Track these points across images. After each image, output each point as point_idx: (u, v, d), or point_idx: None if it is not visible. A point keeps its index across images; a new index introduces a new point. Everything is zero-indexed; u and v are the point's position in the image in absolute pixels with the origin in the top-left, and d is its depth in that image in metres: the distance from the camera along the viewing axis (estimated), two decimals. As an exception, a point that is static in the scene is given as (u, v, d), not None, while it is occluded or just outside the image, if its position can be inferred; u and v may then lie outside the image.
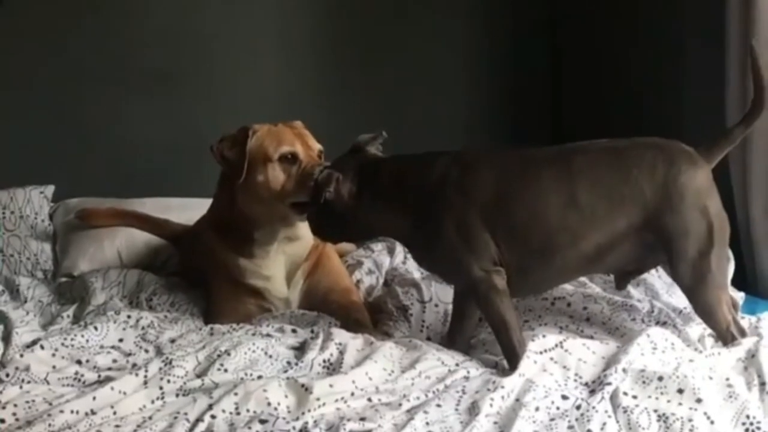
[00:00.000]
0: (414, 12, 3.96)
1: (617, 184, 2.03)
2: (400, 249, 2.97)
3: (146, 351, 2.16)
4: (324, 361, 2.04)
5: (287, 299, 2.54)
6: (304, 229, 2.48)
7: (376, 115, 3.71)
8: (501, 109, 4.10)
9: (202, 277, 2.63)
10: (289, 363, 2.04)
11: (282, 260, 2.54)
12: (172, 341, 2.21)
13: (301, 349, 2.12)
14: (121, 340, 2.23)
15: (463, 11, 4.01)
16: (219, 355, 2.03)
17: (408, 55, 3.93)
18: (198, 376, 1.95)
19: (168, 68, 3.64)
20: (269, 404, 1.80)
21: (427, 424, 1.73)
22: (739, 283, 2.59)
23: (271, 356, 2.06)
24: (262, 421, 1.69)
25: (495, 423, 1.74)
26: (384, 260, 2.93)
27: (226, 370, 1.97)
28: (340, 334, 2.17)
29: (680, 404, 1.78)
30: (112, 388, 1.87)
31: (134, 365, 2.06)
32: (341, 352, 2.07)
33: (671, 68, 3.46)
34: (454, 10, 3.99)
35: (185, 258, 2.85)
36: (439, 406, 1.81)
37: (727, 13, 2.86)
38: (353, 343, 2.11)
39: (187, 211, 3.14)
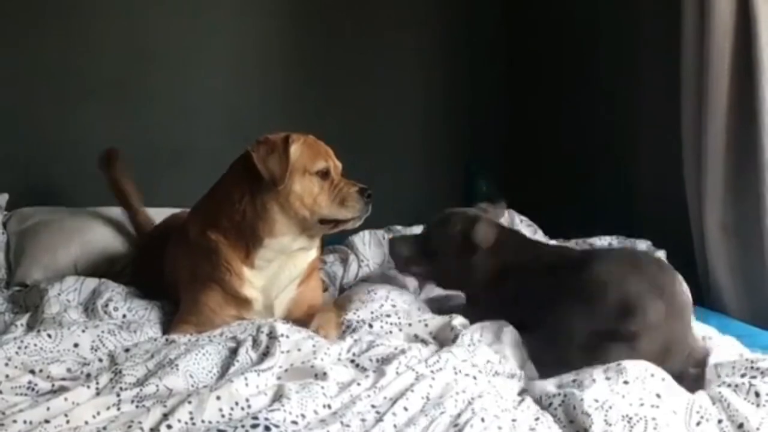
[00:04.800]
0: (372, 30, 4.01)
1: None
2: (353, 258, 2.99)
3: (100, 360, 2.15)
4: (262, 355, 2.09)
5: (271, 306, 2.50)
6: (316, 242, 2.52)
7: (330, 126, 3.73)
8: (455, 138, 4.15)
9: (163, 281, 2.61)
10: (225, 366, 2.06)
11: (279, 270, 2.49)
12: (127, 350, 2.19)
13: (236, 351, 2.13)
14: (76, 345, 2.21)
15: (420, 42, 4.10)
16: (168, 362, 2.02)
17: (364, 79, 3.97)
18: (147, 379, 1.94)
19: (123, 77, 3.65)
20: (223, 415, 1.79)
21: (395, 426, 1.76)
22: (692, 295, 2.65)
23: (214, 360, 2.08)
24: (220, 431, 1.69)
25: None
26: (338, 271, 2.96)
27: (177, 375, 1.97)
28: (270, 325, 2.23)
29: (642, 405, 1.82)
30: (65, 399, 1.85)
31: (88, 375, 2.05)
32: (273, 337, 2.14)
33: (625, 103, 3.52)
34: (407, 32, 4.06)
35: (153, 256, 2.76)
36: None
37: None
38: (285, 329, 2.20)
39: (142, 219, 3.15)
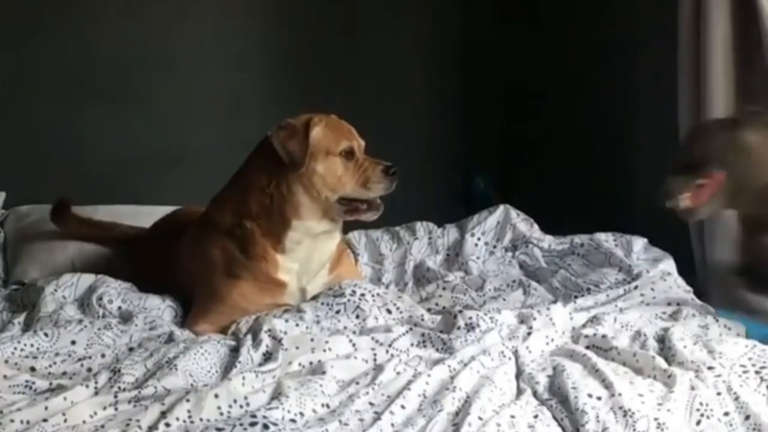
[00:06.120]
0: (365, 35, 4.00)
1: None
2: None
3: (103, 356, 2.14)
4: (263, 355, 2.09)
5: (305, 290, 2.54)
6: (340, 224, 2.56)
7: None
8: (452, 137, 4.16)
9: (173, 279, 2.61)
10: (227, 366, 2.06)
11: (309, 253, 2.53)
12: (131, 350, 2.19)
13: (236, 350, 2.14)
14: (73, 342, 2.21)
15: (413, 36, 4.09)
16: (167, 361, 2.02)
17: (360, 79, 3.97)
18: (146, 380, 1.94)
19: (122, 78, 3.64)
20: (221, 414, 1.79)
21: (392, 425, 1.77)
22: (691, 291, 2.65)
23: (213, 359, 2.08)
24: (218, 429, 1.69)
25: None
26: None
27: (176, 375, 1.96)
28: (269, 322, 2.23)
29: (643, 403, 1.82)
30: (64, 398, 1.85)
31: (89, 369, 2.05)
32: (275, 338, 2.14)
33: (622, 100, 3.52)
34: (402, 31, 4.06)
35: (159, 255, 2.75)
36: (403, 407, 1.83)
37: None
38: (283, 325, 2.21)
39: (139, 218, 3.15)
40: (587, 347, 2.13)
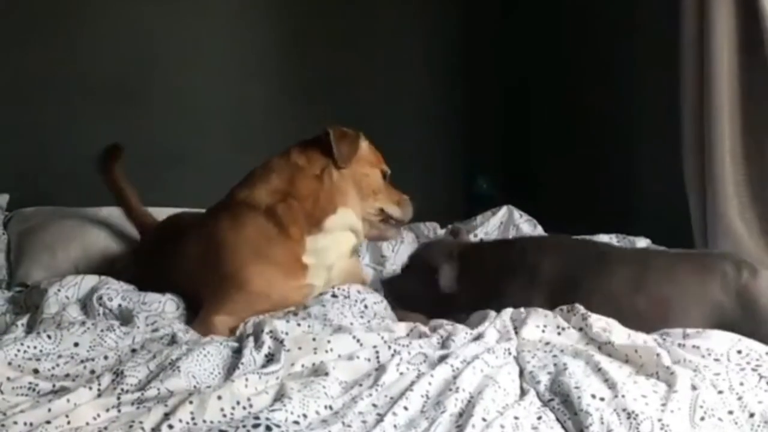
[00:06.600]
0: (371, 36, 4.00)
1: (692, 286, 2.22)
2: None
3: (105, 358, 2.14)
4: (265, 356, 2.10)
5: (330, 266, 2.64)
6: (362, 232, 2.71)
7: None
8: (453, 137, 4.17)
9: (173, 276, 2.63)
10: (230, 368, 2.06)
11: (333, 243, 2.64)
12: (133, 351, 2.19)
13: (238, 351, 2.14)
14: (76, 344, 2.21)
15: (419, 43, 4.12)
16: (170, 363, 2.02)
17: (361, 79, 3.97)
18: (149, 382, 1.94)
19: (124, 79, 3.66)
20: (224, 415, 1.79)
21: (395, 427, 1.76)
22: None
23: (216, 361, 2.08)
24: (222, 431, 1.68)
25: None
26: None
27: (179, 377, 1.96)
28: (271, 323, 2.24)
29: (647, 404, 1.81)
30: (68, 400, 1.85)
31: (92, 371, 2.05)
32: (276, 339, 2.14)
33: (624, 101, 3.52)
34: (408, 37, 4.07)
35: (161, 253, 2.79)
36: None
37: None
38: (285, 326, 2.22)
39: (142, 219, 3.14)
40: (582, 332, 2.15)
